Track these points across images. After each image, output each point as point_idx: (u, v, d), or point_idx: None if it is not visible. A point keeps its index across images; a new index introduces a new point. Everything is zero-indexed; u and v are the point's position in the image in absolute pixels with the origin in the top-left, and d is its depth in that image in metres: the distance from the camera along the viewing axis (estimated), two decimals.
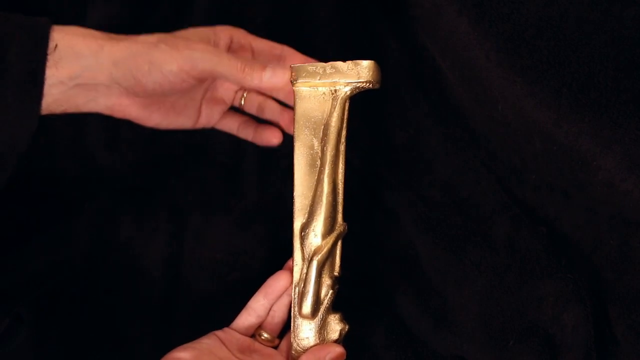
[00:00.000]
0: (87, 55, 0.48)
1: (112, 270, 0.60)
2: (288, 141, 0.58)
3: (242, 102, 0.60)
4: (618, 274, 0.53)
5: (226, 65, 0.51)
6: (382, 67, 0.52)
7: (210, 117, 0.59)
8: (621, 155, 0.48)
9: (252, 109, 0.61)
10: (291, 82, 0.53)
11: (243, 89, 0.60)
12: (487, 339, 0.53)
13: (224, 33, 0.57)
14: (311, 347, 0.51)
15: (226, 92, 0.60)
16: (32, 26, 0.46)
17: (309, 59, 0.58)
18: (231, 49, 0.58)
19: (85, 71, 0.48)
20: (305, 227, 0.52)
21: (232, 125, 0.60)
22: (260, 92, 0.60)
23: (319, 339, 0.52)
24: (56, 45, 0.47)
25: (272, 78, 0.52)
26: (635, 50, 0.49)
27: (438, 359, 0.55)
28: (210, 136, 0.62)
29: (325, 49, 0.62)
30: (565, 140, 0.50)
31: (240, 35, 0.58)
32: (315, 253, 0.51)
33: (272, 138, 0.59)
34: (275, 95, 0.59)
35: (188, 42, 0.51)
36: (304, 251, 0.52)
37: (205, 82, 0.57)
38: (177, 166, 0.62)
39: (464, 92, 0.57)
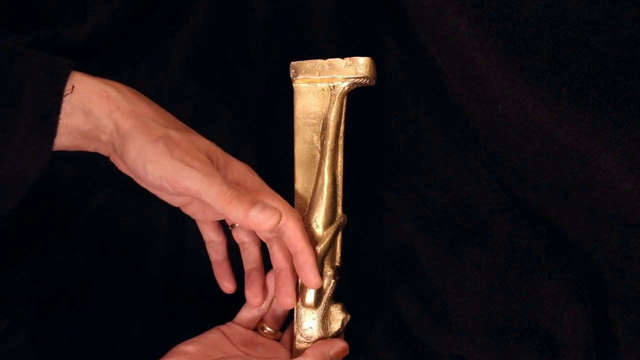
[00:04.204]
0: (96, 115, 0.45)
1: (112, 270, 0.60)
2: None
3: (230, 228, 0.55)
4: (618, 274, 0.53)
5: (214, 191, 0.45)
6: (382, 67, 0.52)
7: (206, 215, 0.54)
8: (621, 155, 0.48)
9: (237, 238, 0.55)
10: (291, 78, 0.54)
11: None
12: (487, 339, 0.53)
13: (237, 170, 0.51)
14: (315, 339, 0.52)
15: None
16: (53, 65, 0.45)
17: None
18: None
19: (93, 129, 0.46)
20: (306, 218, 0.53)
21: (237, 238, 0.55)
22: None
23: (322, 328, 0.52)
24: (73, 87, 0.45)
25: (259, 215, 0.46)
26: (635, 50, 0.49)
27: (438, 359, 0.55)
28: (209, 136, 0.62)
29: (325, 49, 0.62)
30: (565, 140, 0.50)
31: (253, 182, 0.52)
32: (317, 243, 0.52)
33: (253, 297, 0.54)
34: (260, 235, 0.54)
35: (187, 152, 0.46)
36: None
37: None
38: None
39: (464, 92, 0.57)
